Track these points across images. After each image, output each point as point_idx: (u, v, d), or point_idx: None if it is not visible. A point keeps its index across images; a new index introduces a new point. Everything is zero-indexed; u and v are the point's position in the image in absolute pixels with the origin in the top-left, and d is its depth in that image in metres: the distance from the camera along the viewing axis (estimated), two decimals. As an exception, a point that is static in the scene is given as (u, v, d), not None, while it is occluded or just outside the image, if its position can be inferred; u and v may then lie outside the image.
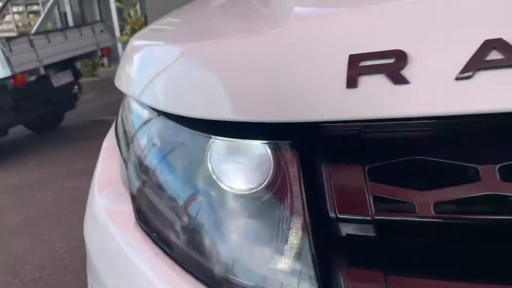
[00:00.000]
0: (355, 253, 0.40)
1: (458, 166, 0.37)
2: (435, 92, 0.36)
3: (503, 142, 0.38)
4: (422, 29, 0.37)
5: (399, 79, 0.37)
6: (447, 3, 0.37)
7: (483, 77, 0.35)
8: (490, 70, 0.35)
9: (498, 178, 0.36)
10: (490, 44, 0.35)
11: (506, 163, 0.36)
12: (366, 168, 0.39)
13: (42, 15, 7.87)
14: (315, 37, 0.42)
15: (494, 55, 0.35)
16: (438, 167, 0.38)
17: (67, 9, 9.49)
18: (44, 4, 9.12)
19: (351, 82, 0.38)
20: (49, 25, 8.59)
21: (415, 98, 0.37)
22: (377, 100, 0.38)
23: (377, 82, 0.38)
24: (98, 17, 9.39)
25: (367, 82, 0.38)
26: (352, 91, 0.38)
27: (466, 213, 0.37)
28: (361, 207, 0.39)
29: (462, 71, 0.35)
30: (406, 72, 0.37)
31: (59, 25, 9.77)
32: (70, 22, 9.48)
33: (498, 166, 0.36)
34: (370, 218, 0.38)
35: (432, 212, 0.37)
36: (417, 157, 0.38)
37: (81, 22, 9.39)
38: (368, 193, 0.39)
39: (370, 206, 0.38)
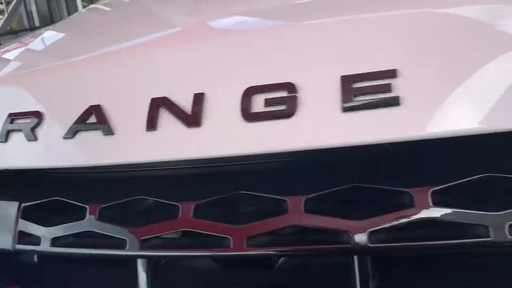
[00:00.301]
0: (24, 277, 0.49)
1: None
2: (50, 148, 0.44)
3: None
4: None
5: (31, 137, 0.45)
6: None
7: (82, 137, 0.43)
8: (88, 131, 0.43)
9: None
10: (91, 110, 0.43)
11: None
12: (22, 206, 0.48)
13: (6, 15, 7.75)
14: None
15: (93, 119, 0.43)
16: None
17: (33, 8, 9.36)
18: (8, 3, 8.98)
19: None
20: (14, 25, 8.45)
21: (38, 153, 0.45)
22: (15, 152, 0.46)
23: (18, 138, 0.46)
24: (66, 17, 9.28)
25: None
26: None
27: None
28: (6, 239, 0.47)
29: (68, 132, 0.43)
30: (36, 130, 0.45)
31: (26, 25, 9.62)
32: (37, 22, 9.35)
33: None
34: (11, 249, 0.47)
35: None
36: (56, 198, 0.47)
37: (49, 21, 9.24)
38: (15, 228, 0.47)
39: (15, 238, 0.47)
